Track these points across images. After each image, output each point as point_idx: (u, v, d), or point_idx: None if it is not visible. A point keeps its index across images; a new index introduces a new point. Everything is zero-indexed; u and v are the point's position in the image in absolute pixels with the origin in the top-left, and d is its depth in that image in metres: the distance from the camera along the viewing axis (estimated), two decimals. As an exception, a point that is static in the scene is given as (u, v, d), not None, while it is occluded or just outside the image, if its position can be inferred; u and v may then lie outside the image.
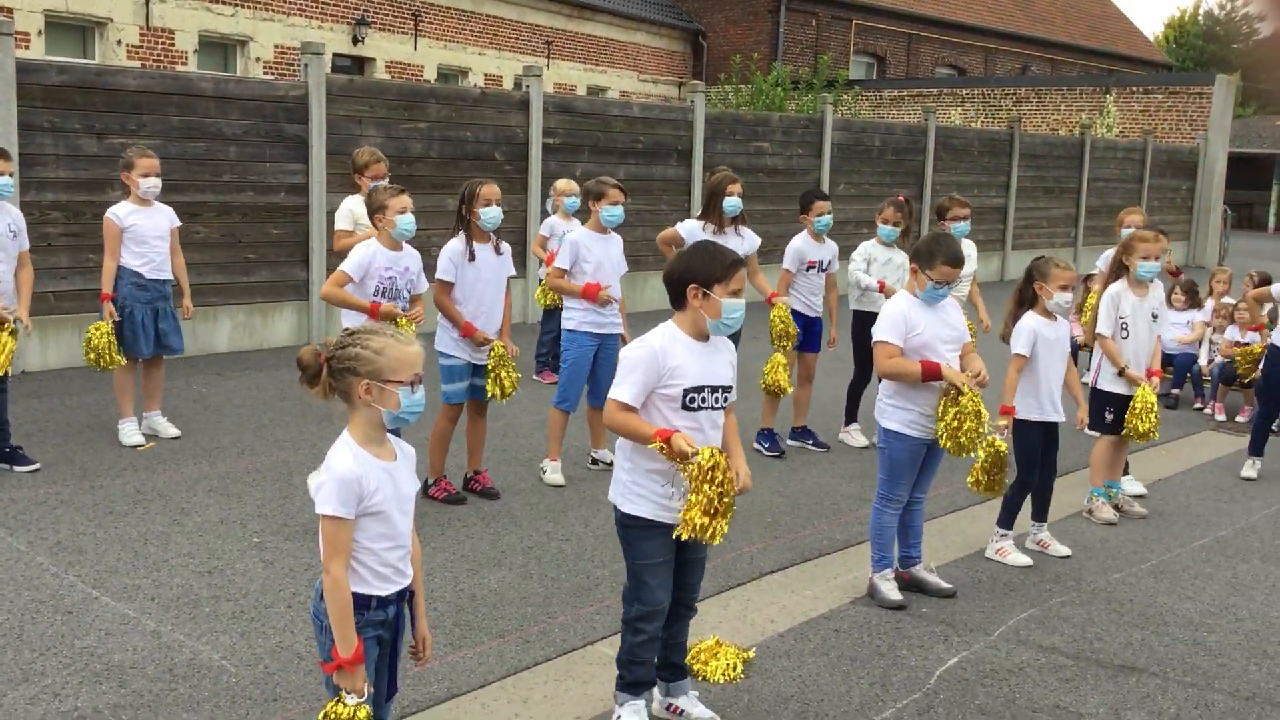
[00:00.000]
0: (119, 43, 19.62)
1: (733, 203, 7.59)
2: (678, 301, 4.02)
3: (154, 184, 7.31)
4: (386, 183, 6.99)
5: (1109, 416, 6.80)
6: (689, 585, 4.21)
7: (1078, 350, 11.02)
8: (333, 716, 3.10)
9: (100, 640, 4.65)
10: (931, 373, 5.16)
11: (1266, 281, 9.41)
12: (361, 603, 3.15)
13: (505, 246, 6.65)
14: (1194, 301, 10.75)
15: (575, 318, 7.08)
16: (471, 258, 6.41)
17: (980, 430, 5.25)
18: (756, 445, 8.05)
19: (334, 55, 22.58)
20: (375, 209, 6.20)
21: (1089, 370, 7.28)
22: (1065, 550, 6.23)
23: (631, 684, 4.12)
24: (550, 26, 27.53)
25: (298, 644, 4.67)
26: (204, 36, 20.96)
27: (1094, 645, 5.05)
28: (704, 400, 3.97)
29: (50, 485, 6.56)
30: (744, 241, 7.65)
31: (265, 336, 11.00)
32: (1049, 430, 6.10)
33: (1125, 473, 7.51)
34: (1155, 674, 4.78)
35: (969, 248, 8.34)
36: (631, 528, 4.03)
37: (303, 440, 7.71)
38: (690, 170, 15.00)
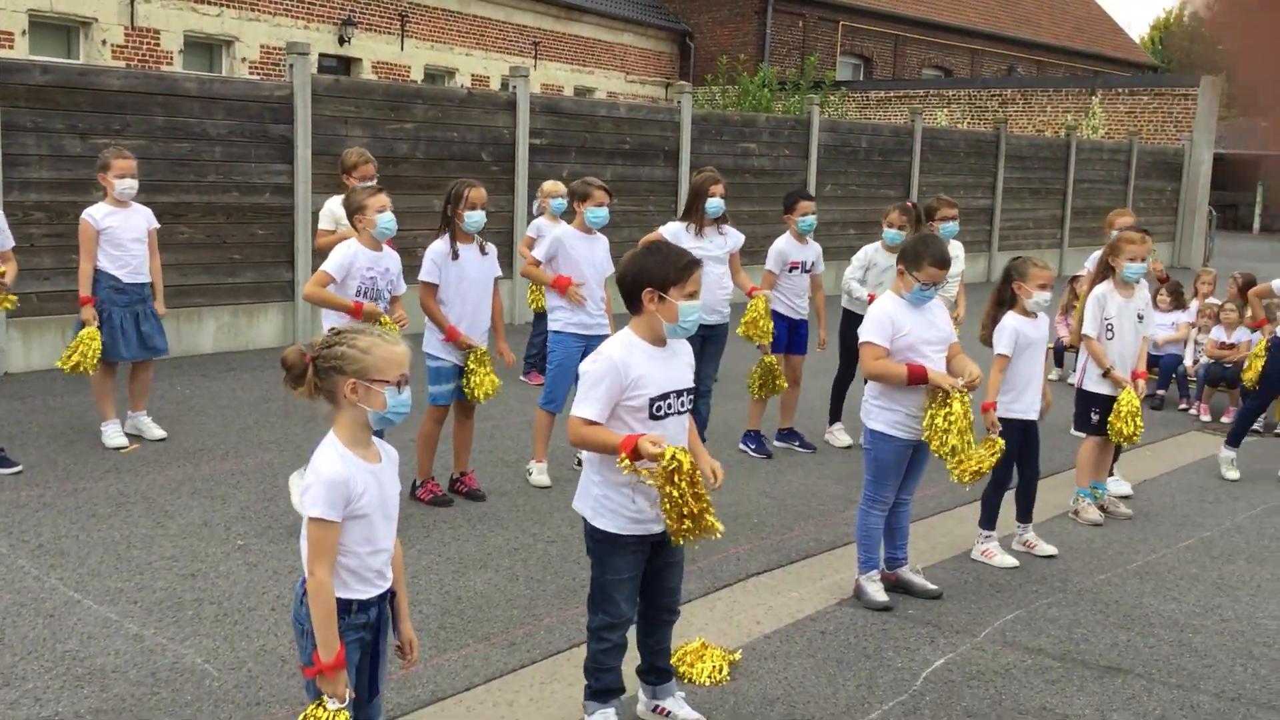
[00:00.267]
0: (104, 43, 19.53)
1: (715, 204, 7.57)
2: (633, 306, 3.89)
3: (130, 185, 7.26)
4: (371, 184, 6.97)
5: (1094, 417, 6.81)
6: (669, 590, 4.16)
7: (1064, 351, 11.07)
8: None
9: (82, 644, 4.61)
10: (918, 376, 5.15)
11: (1251, 283, 9.46)
12: (343, 607, 3.12)
13: (490, 247, 6.63)
14: (1179, 302, 10.78)
15: (561, 319, 7.06)
16: (455, 256, 6.39)
17: (971, 437, 5.25)
18: (743, 447, 8.04)
19: (320, 56, 22.51)
20: (354, 209, 6.16)
21: (1075, 371, 7.29)
22: (1051, 549, 6.23)
23: (600, 692, 4.09)
24: (537, 27, 27.51)
25: (281, 647, 4.64)
26: (189, 36, 20.88)
27: (1080, 646, 5.05)
28: (670, 406, 3.89)
29: (32, 487, 6.51)
30: (727, 240, 7.65)
31: (250, 337, 10.95)
32: (1028, 429, 6.11)
33: (1112, 473, 7.52)
34: (1141, 675, 4.79)
35: (956, 249, 8.36)
36: (602, 542, 3.98)
37: (287, 442, 7.67)
38: (677, 171, 14.99)
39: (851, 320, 7.99)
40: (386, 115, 11.87)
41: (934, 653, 4.92)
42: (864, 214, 17.65)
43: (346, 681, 3.08)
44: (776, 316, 7.93)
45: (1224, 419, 9.82)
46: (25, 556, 5.50)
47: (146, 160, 9.13)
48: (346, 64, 23.62)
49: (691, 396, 4.00)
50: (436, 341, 6.45)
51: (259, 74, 21.09)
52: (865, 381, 5.44)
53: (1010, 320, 6.05)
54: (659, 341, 3.90)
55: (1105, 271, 6.87)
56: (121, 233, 7.24)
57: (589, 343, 7.07)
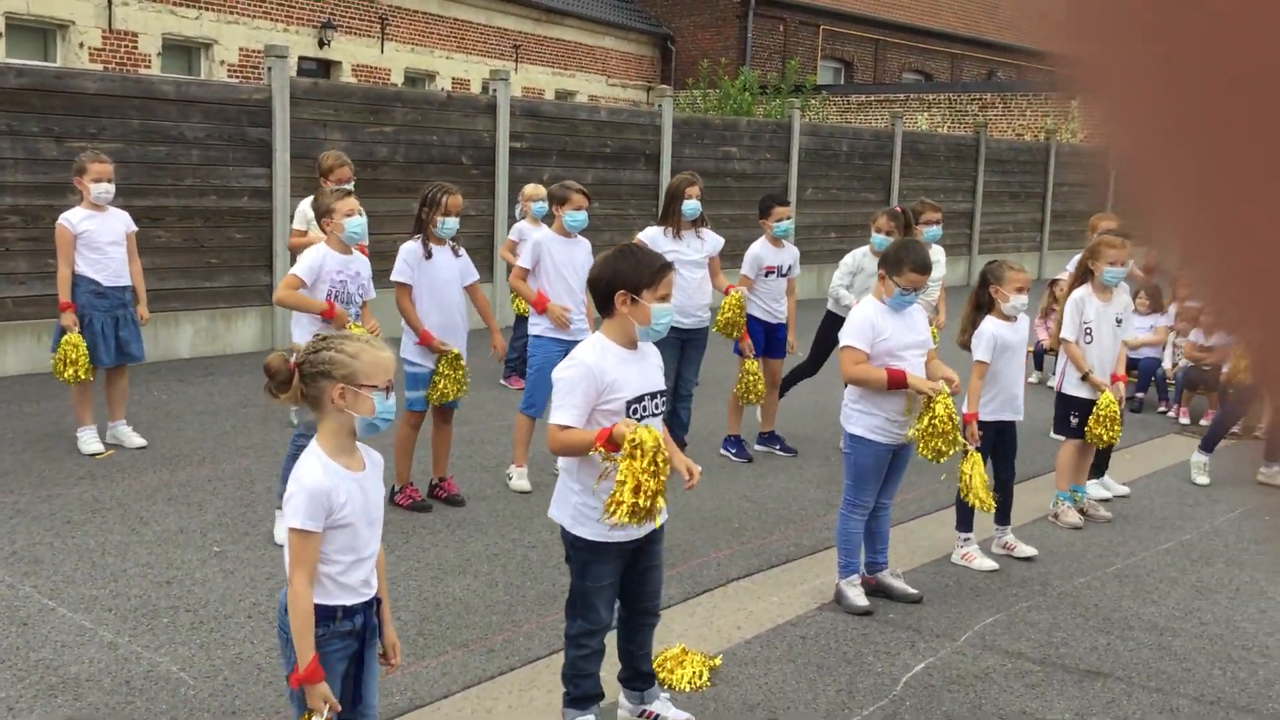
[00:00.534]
0: (81, 45, 19.40)
1: (692, 205, 7.55)
2: (605, 309, 3.90)
3: (106, 189, 7.20)
4: (348, 187, 6.93)
5: (1073, 421, 6.82)
6: (649, 593, 4.15)
7: (1043, 354, 11.10)
8: None
9: (56, 652, 4.56)
10: (897, 381, 5.14)
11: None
12: (328, 614, 3.10)
13: (461, 250, 6.62)
14: (1157, 305, 10.82)
15: (541, 323, 7.03)
16: (429, 256, 6.37)
17: (956, 439, 5.26)
18: (723, 451, 8.03)
19: (300, 59, 22.42)
20: (322, 213, 6.09)
21: (1054, 374, 7.30)
22: (1031, 550, 6.24)
23: (578, 699, 4.08)
24: (519, 30, 27.46)
25: (257, 655, 4.60)
26: (168, 39, 20.77)
27: (1060, 650, 5.05)
28: (645, 409, 3.89)
29: (6, 494, 6.45)
30: (705, 244, 7.63)
31: (228, 342, 10.88)
32: (1002, 431, 6.11)
33: (1103, 475, 7.53)
34: (1120, 679, 4.79)
35: (937, 253, 8.37)
36: (582, 550, 3.96)
37: (265, 447, 7.62)
38: (658, 175, 14.97)
39: (833, 321, 8.01)
40: (366, 118, 11.82)
41: (914, 657, 4.91)
42: (845, 218, 17.68)
43: (323, 694, 3.04)
44: (753, 321, 7.92)
45: (1203, 421, 9.85)
46: (-2, 564, 5.45)
47: (123, 164, 9.06)
48: (326, 67, 23.53)
49: (664, 398, 4.00)
50: (413, 346, 6.42)
51: (238, 77, 20.99)
52: (845, 386, 5.43)
53: (988, 326, 6.05)
54: (631, 345, 3.90)
55: (1084, 275, 6.89)
56: (99, 236, 7.18)
57: (569, 347, 7.02)
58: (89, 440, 7.35)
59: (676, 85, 29.80)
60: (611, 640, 4.17)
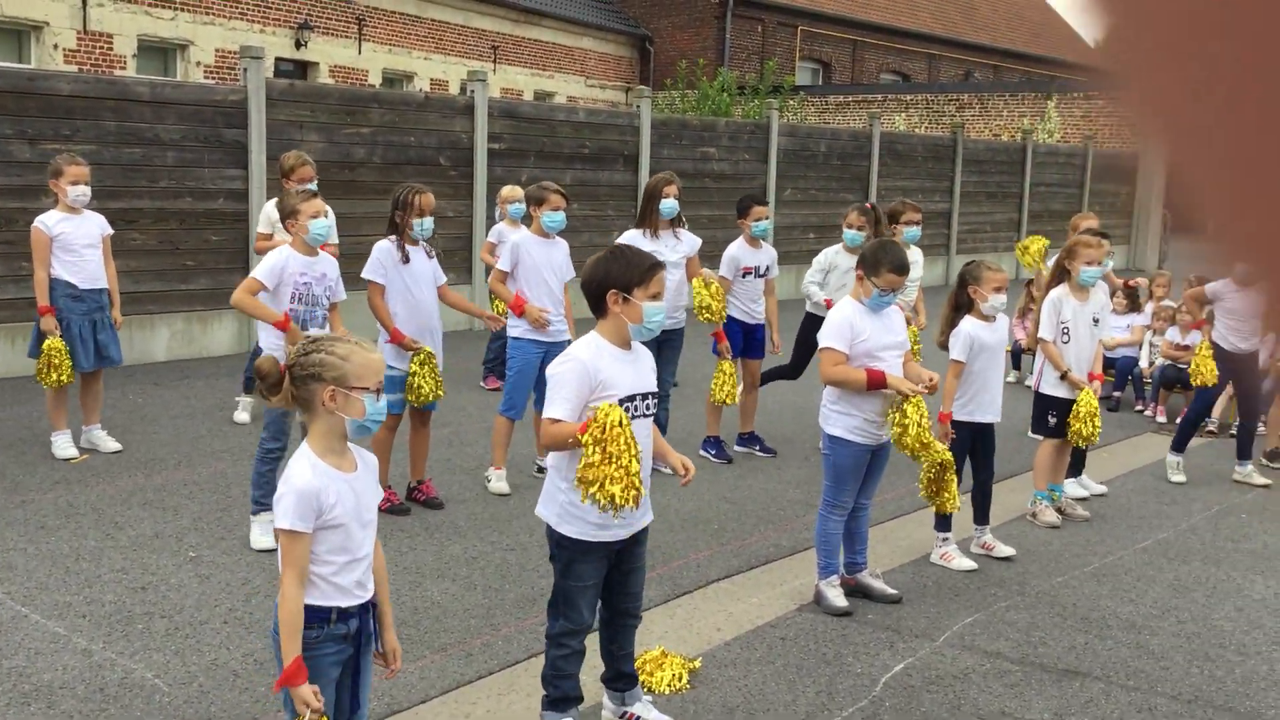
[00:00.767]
0: (55, 47, 19.26)
1: (669, 205, 7.54)
2: (598, 309, 3.94)
3: (83, 192, 7.15)
4: (312, 187, 6.86)
5: (1051, 420, 6.84)
6: (632, 594, 4.16)
7: (1021, 354, 11.13)
8: None
9: (29, 660, 4.51)
10: (876, 381, 5.15)
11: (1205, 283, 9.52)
12: (322, 615, 3.08)
13: (434, 251, 6.60)
14: (1134, 305, 10.87)
15: (520, 325, 7.01)
16: (405, 260, 6.34)
17: (926, 439, 5.27)
18: (703, 453, 8.02)
19: (276, 60, 22.31)
20: (287, 214, 5.97)
21: (1032, 374, 7.32)
22: (1010, 550, 6.25)
23: (558, 700, 4.07)
24: (497, 31, 27.41)
25: (233, 661, 4.57)
26: (143, 41, 20.63)
27: (1038, 650, 5.06)
28: (637, 409, 3.91)
29: (-21, 500, 6.39)
30: (682, 244, 7.62)
31: (204, 345, 10.81)
32: (980, 431, 6.12)
33: (1080, 474, 7.56)
34: (1099, 678, 4.80)
35: (915, 254, 8.37)
36: (567, 549, 3.97)
37: (242, 451, 7.57)
38: (637, 175, 14.96)
39: (814, 322, 8.00)
40: (343, 119, 11.77)
41: (893, 658, 4.91)
42: (823, 218, 17.71)
43: (307, 696, 3.01)
44: (732, 322, 7.92)
45: (1179, 420, 9.89)
46: (-30, 571, 5.39)
47: (98, 165, 8.99)
48: (303, 68, 23.43)
49: (656, 400, 4.03)
50: (387, 348, 6.38)
51: (214, 78, 20.87)
52: (824, 387, 5.43)
53: (966, 326, 6.06)
54: (624, 344, 3.94)
55: (1061, 275, 6.91)
56: (74, 239, 7.12)
57: (548, 349, 7.02)
58: (63, 445, 7.29)
59: (655, 86, 29.79)
60: (593, 641, 4.15)
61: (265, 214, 8.36)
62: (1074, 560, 6.30)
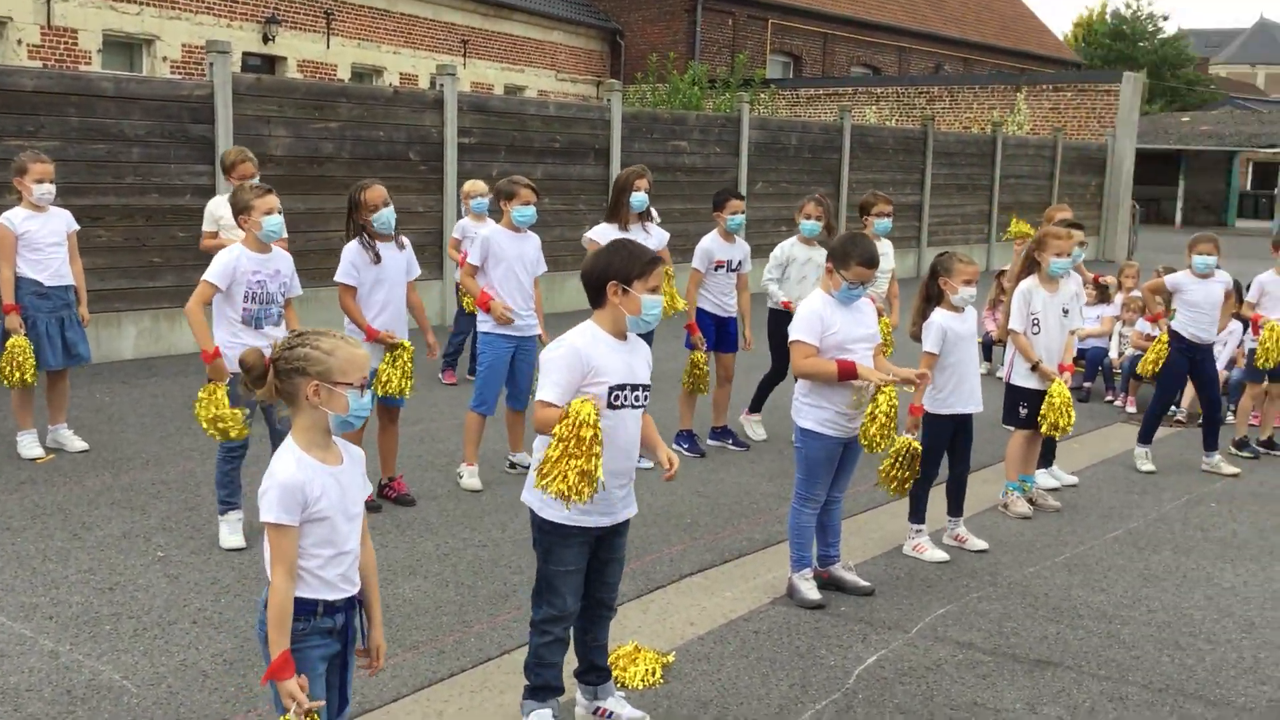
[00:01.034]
0: (19, 42, 19.06)
1: (639, 198, 7.52)
2: (597, 299, 4.01)
3: (48, 190, 7.07)
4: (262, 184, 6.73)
5: (1023, 411, 6.86)
6: (608, 585, 4.17)
7: (992, 345, 11.18)
8: None
9: (-7, 663, 4.46)
10: (848, 372, 5.15)
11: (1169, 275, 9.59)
12: (309, 608, 3.08)
13: (405, 241, 6.54)
14: (1104, 296, 10.93)
15: (490, 320, 6.97)
16: (376, 259, 6.29)
17: (892, 429, 5.29)
18: (676, 447, 8.00)
19: (244, 54, 22.15)
20: (240, 209, 5.85)
21: (1003, 365, 7.35)
22: (982, 544, 6.27)
23: (538, 689, 4.09)
24: (466, 25, 27.31)
25: (202, 661, 4.52)
26: (108, 36, 20.45)
27: (1010, 640, 5.08)
28: (626, 398, 3.97)
29: (-57, 501, 6.30)
30: (651, 238, 7.60)
31: (172, 342, 10.71)
32: (960, 423, 6.14)
33: (1051, 464, 7.59)
34: (1070, 668, 4.82)
35: (885, 246, 8.39)
36: (549, 533, 4.00)
37: (211, 450, 7.46)
38: (608, 169, 14.93)
39: (780, 320, 8.02)
40: (311, 114, 11.68)
41: (866, 650, 4.91)
42: (795, 211, 17.70)
43: (293, 690, 2.97)
44: (703, 315, 7.91)
45: (1145, 411, 9.96)
46: (-66, 573, 5.32)
47: (62, 162, 8.90)
48: (271, 63, 23.27)
49: (647, 393, 4.08)
50: (365, 347, 6.33)
51: (181, 73, 20.70)
52: (795, 380, 5.43)
53: (938, 317, 6.07)
54: (620, 335, 4.00)
55: (1031, 266, 6.93)
56: (40, 237, 7.05)
57: (519, 344, 7.01)
58: (29, 444, 7.21)
59: (626, 80, 29.77)
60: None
61: (209, 212, 8.29)
62: (1045, 551, 6.32)
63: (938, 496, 6.25)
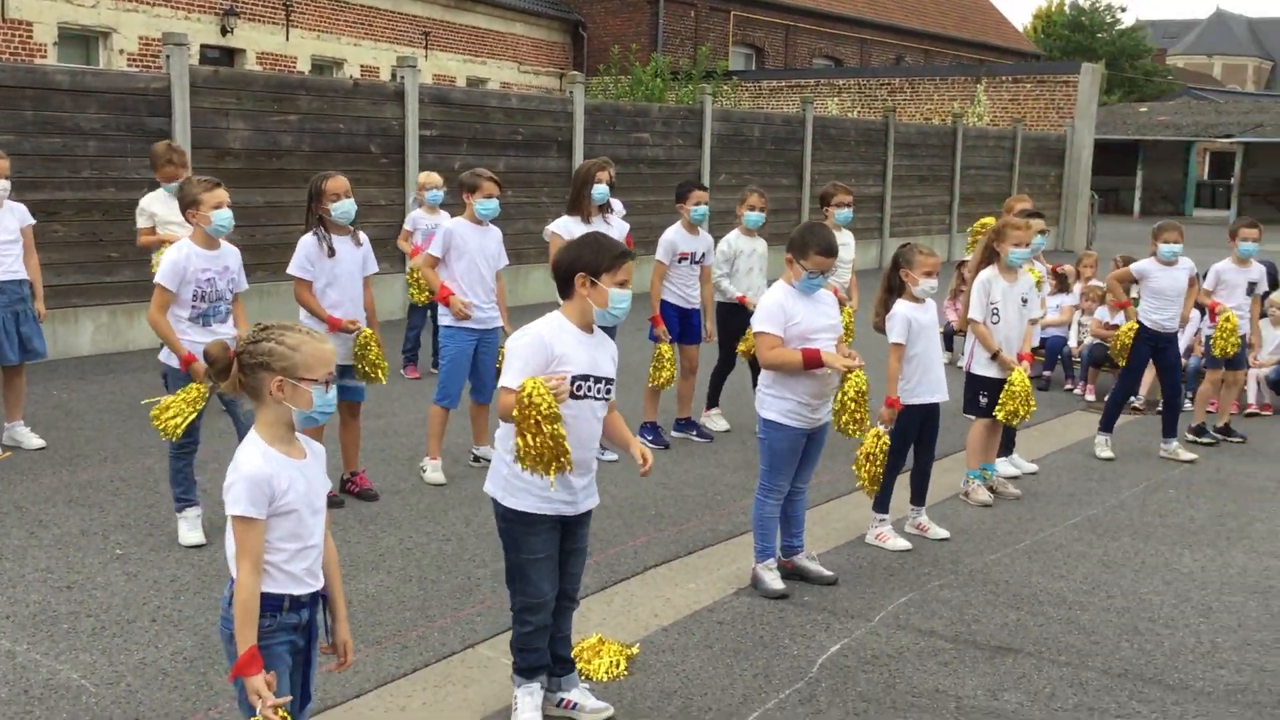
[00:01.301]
0: (-29, 34, 18.77)
1: (600, 190, 7.52)
2: (565, 291, 4.03)
3: (3, 186, 6.98)
4: (203, 176, 6.62)
5: (983, 400, 6.91)
6: (571, 576, 4.19)
7: (953, 335, 11.25)
8: None
9: (-51, 664, 4.40)
10: (812, 360, 5.16)
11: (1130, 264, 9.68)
12: (275, 603, 3.05)
13: (363, 236, 6.49)
14: (1063, 285, 11.03)
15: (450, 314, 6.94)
16: (331, 253, 6.23)
17: (864, 415, 5.31)
18: (640, 439, 8.00)
19: (202, 47, 21.93)
20: (188, 203, 5.72)
21: (964, 354, 7.39)
22: (944, 533, 6.31)
23: (524, 670, 4.12)
24: (428, 17, 27.15)
25: (162, 660, 4.48)
26: (64, 29, 20.19)
27: (971, 627, 5.12)
28: (589, 389, 3.98)
29: (-104, 501, 6.21)
30: (612, 229, 7.60)
31: (130, 338, 10.60)
32: (928, 413, 6.17)
33: (1011, 452, 7.65)
34: (1031, 654, 4.86)
35: (846, 236, 8.43)
36: (514, 522, 4.02)
37: (168, 447, 7.41)
38: (571, 162, 14.89)
39: (725, 312, 8.07)
40: (269, 107, 11.58)
41: (829, 639, 4.94)
42: (736, 203, 17.73)
43: (260, 686, 2.94)
44: (667, 306, 7.92)
45: (1106, 400, 10.06)
46: (-113, 574, 5.24)
47: (17, 156, 8.78)
48: (230, 55, 23.05)
49: (611, 387, 4.09)
50: (329, 339, 6.29)
51: (138, 66, 20.46)
52: (759, 371, 5.44)
53: (900, 309, 6.10)
54: (586, 327, 4.02)
55: (990, 256, 6.98)
56: None
57: (482, 337, 6.98)
58: (-16, 442, 7.12)
59: (588, 72, 29.70)
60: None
61: (143, 208, 8.10)
62: (1006, 538, 6.37)
63: (900, 485, 6.28)
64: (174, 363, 5.76)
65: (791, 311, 5.25)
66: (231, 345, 3.11)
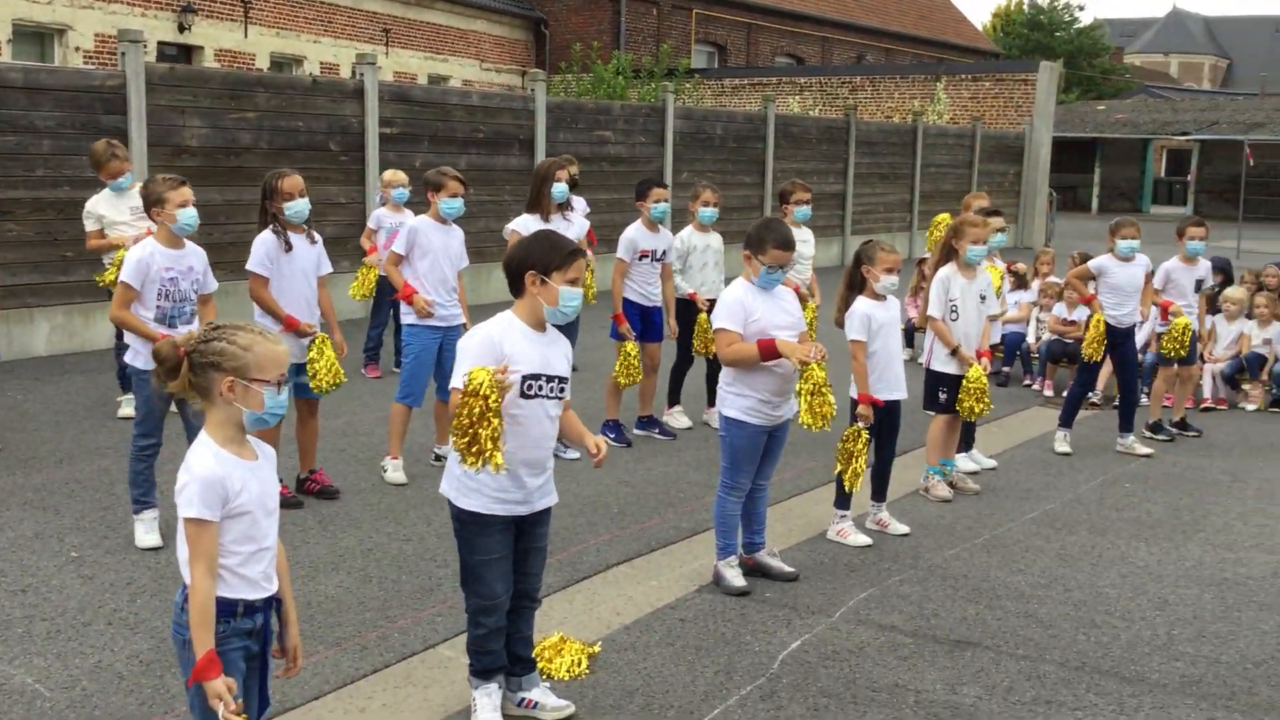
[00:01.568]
0: (-78, 30, 18.49)
1: (559, 189, 7.52)
2: (516, 289, 4.02)
3: None
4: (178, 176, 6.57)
5: (943, 396, 6.96)
6: (531, 574, 4.17)
7: (913, 331, 11.32)
8: None
9: (-101, 670, 4.33)
10: (768, 350, 5.16)
11: (1088, 260, 9.77)
12: (229, 608, 3.00)
13: (317, 236, 6.44)
14: (1021, 282, 11.11)
15: (413, 312, 6.91)
16: (288, 248, 6.18)
17: (828, 399, 5.28)
18: (601, 436, 7.99)
19: (160, 44, 21.69)
20: (153, 201, 5.68)
21: (924, 351, 7.44)
22: (904, 529, 6.35)
23: (480, 671, 4.10)
24: (388, 14, 26.98)
25: (118, 663, 4.43)
26: (19, 26, 19.91)
27: (931, 622, 5.15)
28: (541, 388, 3.96)
29: None
30: (573, 226, 7.60)
31: (86, 338, 10.48)
32: (890, 410, 6.20)
33: (970, 448, 7.71)
34: (989, 648, 4.90)
35: (805, 233, 8.47)
36: (468, 523, 4.00)
37: (126, 448, 7.31)
38: (533, 160, 14.84)
39: (683, 308, 8.09)
40: (227, 104, 11.48)
41: (791, 635, 4.95)
42: (721, 200, 17.76)
43: (221, 690, 2.89)
44: (629, 304, 7.92)
45: (1065, 396, 10.15)
46: None
47: (-33, 154, 8.66)
48: (188, 52, 22.81)
49: (564, 386, 4.06)
50: (283, 338, 6.24)
51: (95, 64, 20.21)
52: (721, 368, 5.44)
53: (860, 305, 6.12)
54: (539, 326, 4.01)
55: (949, 254, 7.03)
56: None
57: (445, 334, 6.96)
58: (-64, 445, 7.02)
59: (550, 69, 29.64)
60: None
61: (89, 210, 7.92)
62: (965, 533, 6.42)
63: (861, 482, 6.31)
64: (138, 363, 5.69)
65: (751, 308, 5.26)
66: (181, 344, 3.06)
